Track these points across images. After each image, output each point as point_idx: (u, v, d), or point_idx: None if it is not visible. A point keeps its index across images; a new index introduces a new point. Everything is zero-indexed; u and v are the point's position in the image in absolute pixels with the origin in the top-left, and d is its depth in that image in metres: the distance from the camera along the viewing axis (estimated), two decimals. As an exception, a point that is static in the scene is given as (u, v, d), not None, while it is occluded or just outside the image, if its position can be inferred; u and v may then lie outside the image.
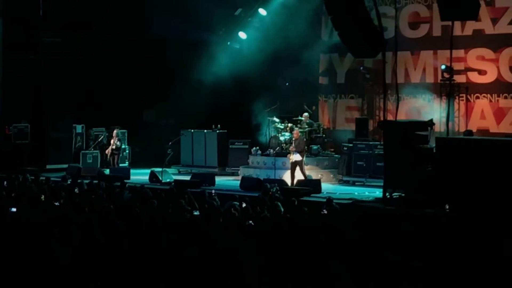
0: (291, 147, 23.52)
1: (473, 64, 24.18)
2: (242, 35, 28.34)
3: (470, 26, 23.43)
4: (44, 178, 21.46)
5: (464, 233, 12.24)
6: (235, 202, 16.37)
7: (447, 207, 16.78)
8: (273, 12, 27.18)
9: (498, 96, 23.95)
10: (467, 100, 24.18)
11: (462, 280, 9.63)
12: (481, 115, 24.17)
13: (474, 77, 24.24)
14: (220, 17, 28.03)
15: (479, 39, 24.01)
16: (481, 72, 24.18)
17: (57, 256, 10.53)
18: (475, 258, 10.35)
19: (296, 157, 23.08)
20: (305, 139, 24.18)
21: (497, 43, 23.78)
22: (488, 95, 24.11)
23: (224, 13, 28.00)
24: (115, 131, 27.65)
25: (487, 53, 24.02)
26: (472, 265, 10.01)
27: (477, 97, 24.22)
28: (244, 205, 16.07)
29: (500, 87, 23.87)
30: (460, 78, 24.00)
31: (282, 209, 15.55)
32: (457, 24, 20.82)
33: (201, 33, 28.05)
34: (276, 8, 27.06)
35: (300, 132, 24.07)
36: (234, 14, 28.21)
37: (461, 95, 24.17)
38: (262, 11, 27.66)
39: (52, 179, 21.37)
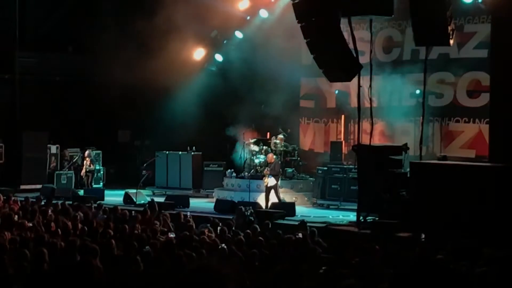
0: (265, 170, 23.55)
1: (432, 87, 24.12)
2: (218, 57, 28.39)
3: (436, 50, 23.13)
4: (17, 198, 21.36)
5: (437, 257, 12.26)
6: (209, 224, 16.42)
7: (422, 236, 16.84)
8: (250, 35, 27.24)
9: (449, 120, 24.13)
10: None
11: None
12: (430, 139, 24.31)
13: (432, 101, 24.28)
14: (196, 38, 28.05)
15: (443, 63, 24.10)
16: (438, 96, 24.33)
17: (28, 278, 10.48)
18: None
19: (271, 181, 23.09)
20: (280, 162, 24.16)
21: (459, 67, 23.90)
22: (440, 119, 24.30)
23: (199, 34, 28.02)
24: (87, 152, 27.55)
25: (448, 76, 24.19)
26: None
27: (430, 121, 24.29)
28: (219, 227, 16.11)
29: (453, 111, 24.04)
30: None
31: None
32: (424, 47, 20.81)
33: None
34: (253, 31, 27.13)
35: (275, 156, 24.08)
36: (210, 36, 28.22)
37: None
38: (238, 34, 27.73)
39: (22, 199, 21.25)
